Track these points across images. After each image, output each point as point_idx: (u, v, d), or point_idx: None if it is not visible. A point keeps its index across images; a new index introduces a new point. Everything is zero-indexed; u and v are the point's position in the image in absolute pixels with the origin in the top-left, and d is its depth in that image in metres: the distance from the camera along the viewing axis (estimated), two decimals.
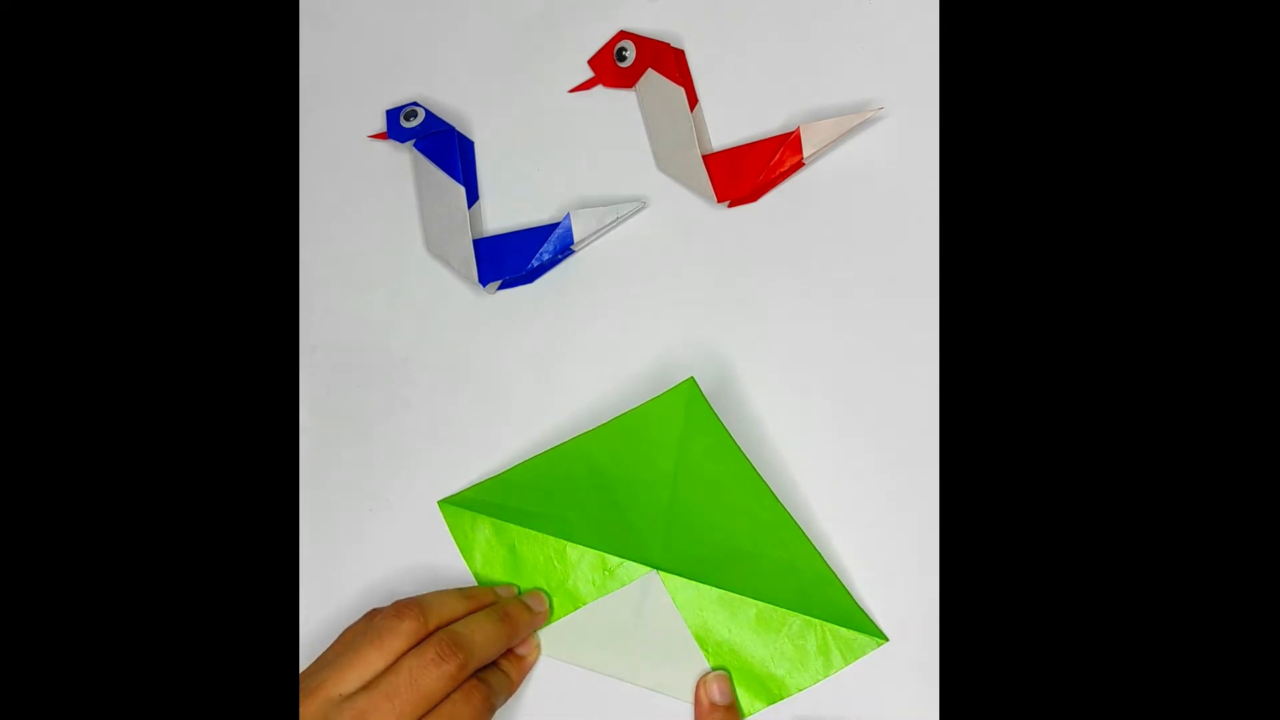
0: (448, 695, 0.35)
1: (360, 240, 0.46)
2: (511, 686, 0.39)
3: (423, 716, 0.34)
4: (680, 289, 0.42)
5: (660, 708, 0.39)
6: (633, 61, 0.43)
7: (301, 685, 0.34)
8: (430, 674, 0.35)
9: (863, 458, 0.39)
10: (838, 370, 0.40)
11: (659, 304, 0.42)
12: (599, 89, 0.44)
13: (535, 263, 0.42)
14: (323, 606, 0.42)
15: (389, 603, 0.37)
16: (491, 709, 0.36)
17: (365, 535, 0.43)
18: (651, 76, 0.43)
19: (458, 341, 0.44)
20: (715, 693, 0.38)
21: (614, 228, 0.43)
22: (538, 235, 0.42)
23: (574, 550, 0.40)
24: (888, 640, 0.37)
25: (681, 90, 0.42)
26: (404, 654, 0.35)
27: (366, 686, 0.34)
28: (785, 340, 0.40)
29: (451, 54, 0.47)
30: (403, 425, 0.43)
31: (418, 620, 0.36)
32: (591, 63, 0.44)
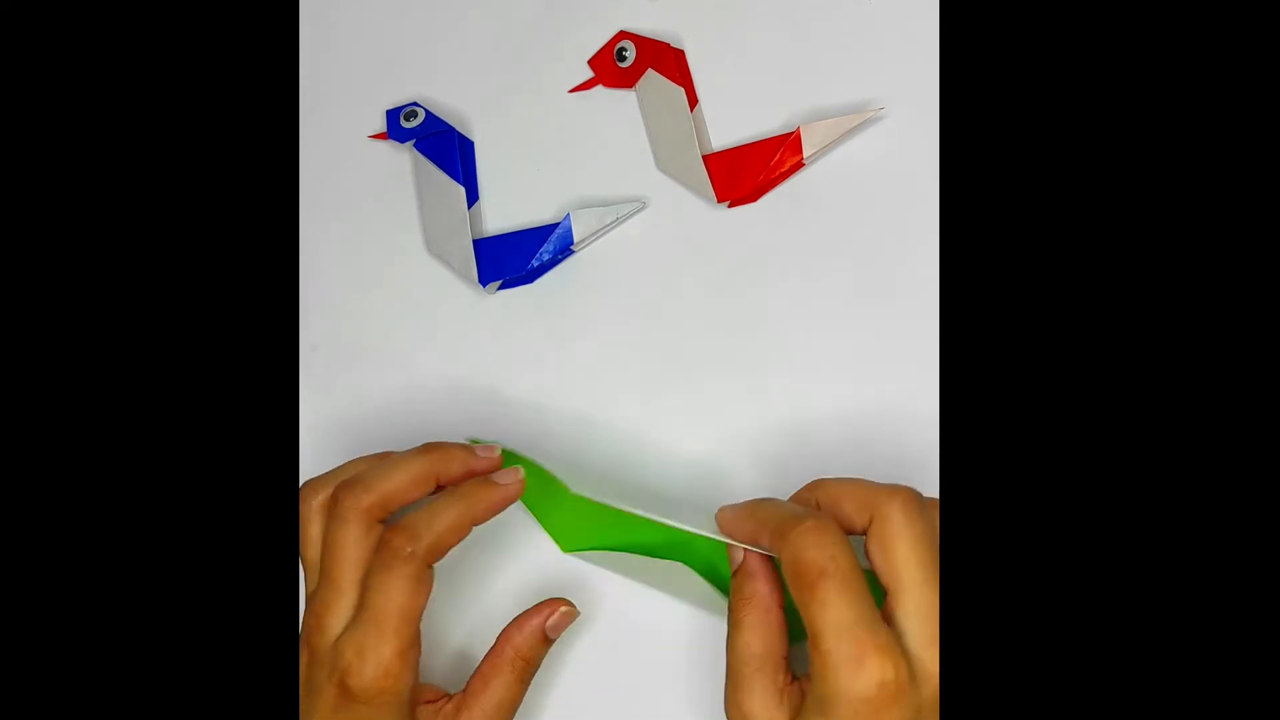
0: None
1: (360, 240, 0.46)
2: (471, 515, 0.34)
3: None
4: (680, 289, 0.42)
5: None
6: (633, 61, 0.43)
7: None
8: (336, 531, 0.33)
9: (862, 458, 0.39)
10: (838, 370, 0.40)
11: (659, 304, 0.42)
12: (599, 89, 0.44)
13: (535, 263, 0.42)
14: None
15: None
16: (426, 560, 0.33)
17: None
18: (651, 76, 0.43)
19: (458, 341, 0.44)
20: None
21: (614, 228, 0.43)
22: (538, 235, 0.42)
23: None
24: None
25: (681, 90, 0.42)
26: (369, 571, 0.33)
27: (351, 622, 0.33)
28: (785, 340, 0.40)
29: (451, 54, 0.47)
30: (403, 425, 0.43)
31: (320, 490, 0.35)
32: (591, 63, 0.44)
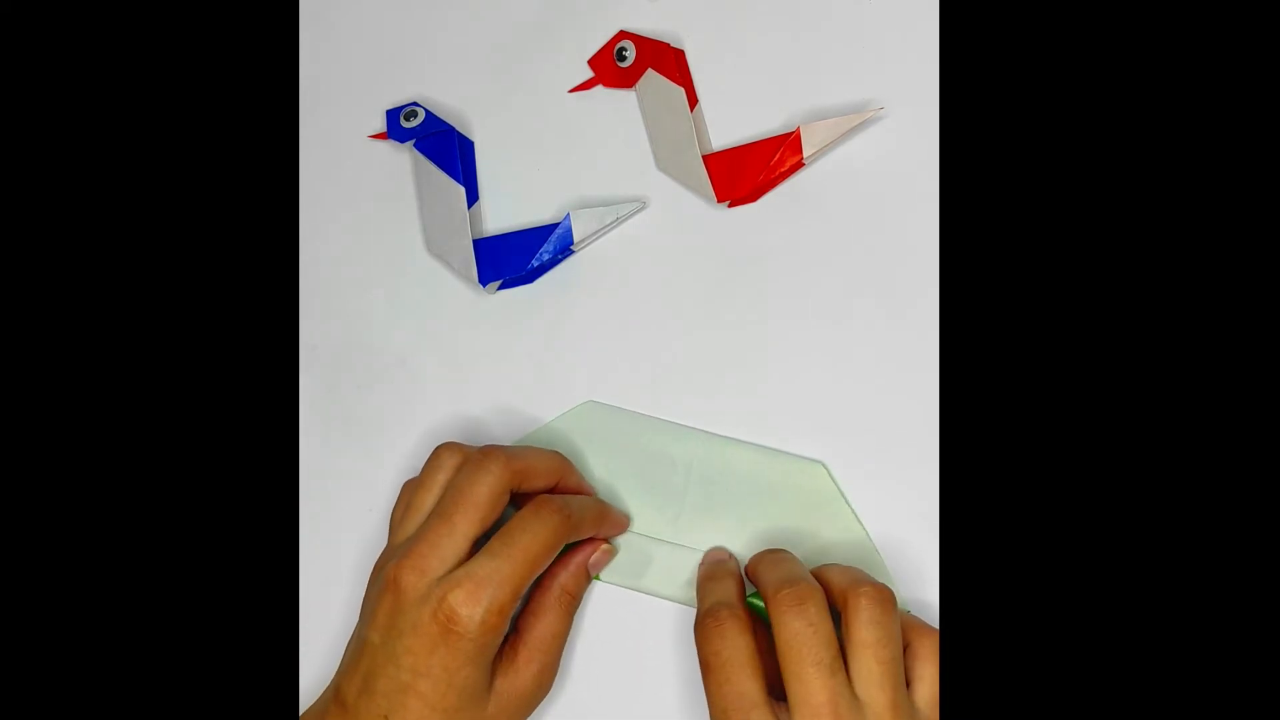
0: (516, 512, 0.35)
1: (360, 240, 0.46)
2: (603, 521, 0.38)
3: (486, 533, 0.34)
4: (680, 289, 0.42)
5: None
6: (633, 61, 0.43)
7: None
8: (473, 479, 0.34)
9: (862, 457, 0.39)
10: (838, 370, 0.40)
11: (659, 304, 0.42)
12: (599, 89, 0.44)
13: (535, 263, 0.42)
14: (323, 606, 0.42)
15: None
16: (568, 526, 0.35)
17: (365, 535, 0.43)
18: (651, 76, 0.43)
19: (458, 341, 0.44)
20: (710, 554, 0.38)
21: (614, 228, 0.43)
22: (538, 235, 0.42)
23: None
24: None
25: (681, 90, 0.42)
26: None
27: (471, 563, 0.33)
28: (785, 340, 0.41)
29: (451, 54, 0.47)
30: (403, 425, 0.43)
31: (458, 451, 0.36)
32: (591, 63, 0.44)
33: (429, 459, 0.37)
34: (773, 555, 0.36)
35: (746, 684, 0.31)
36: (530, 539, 0.34)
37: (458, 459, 0.36)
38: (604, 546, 0.39)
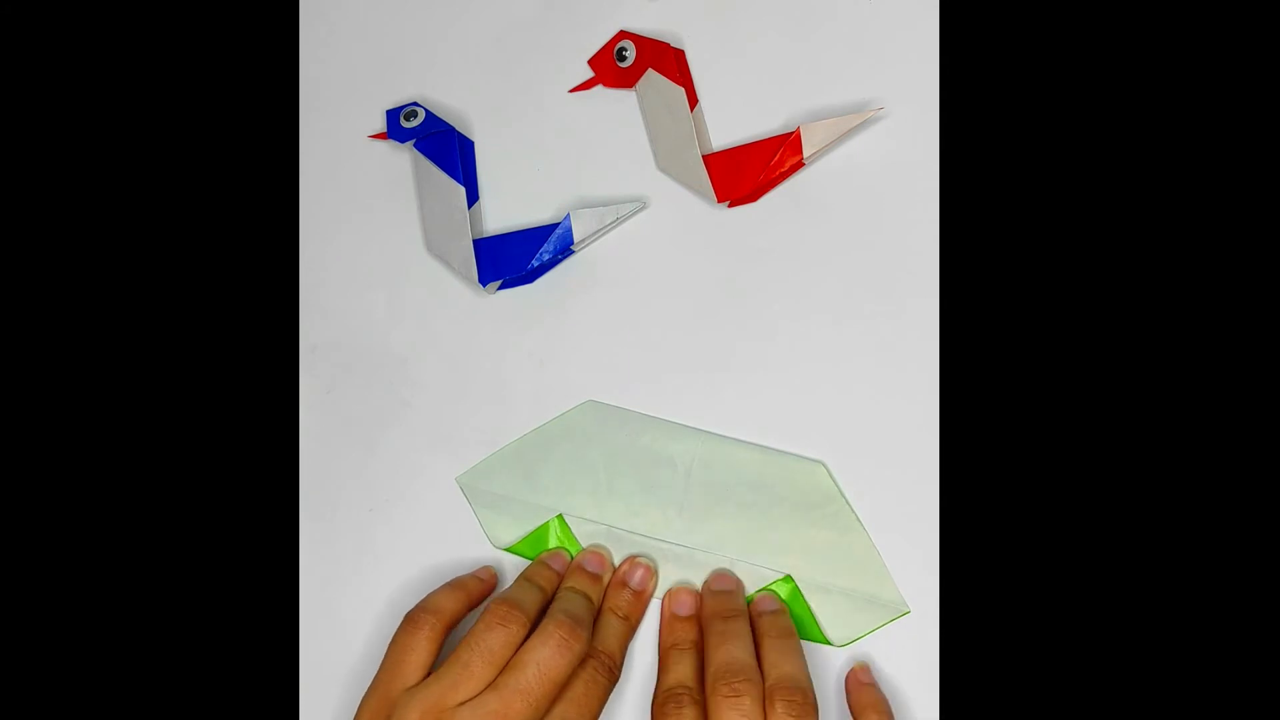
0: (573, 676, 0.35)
1: (360, 240, 0.46)
2: (631, 626, 0.39)
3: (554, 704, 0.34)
4: (680, 289, 0.42)
5: None
6: (633, 61, 0.43)
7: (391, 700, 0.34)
8: (559, 661, 0.34)
9: (862, 457, 0.39)
10: (837, 370, 0.40)
11: (659, 304, 0.42)
12: (599, 89, 0.44)
13: (535, 263, 0.42)
14: (323, 607, 0.42)
15: (392, 600, 0.37)
16: (615, 674, 0.36)
17: (365, 535, 0.43)
18: (651, 76, 0.43)
19: (458, 341, 0.44)
20: (675, 602, 0.39)
21: (614, 228, 0.43)
22: (538, 235, 0.42)
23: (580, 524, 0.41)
24: (909, 611, 0.37)
25: (681, 90, 0.42)
26: (524, 644, 0.35)
27: (492, 686, 0.34)
28: (785, 340, 0.41)
29: (451, 54, 0.47)
30: (403, 425, 0.43)
31: (519, 624, 0.36)
32: (591, 63, 0.44)
33: (488, 619, 0.36)
34: (721, 627, 0.36)
35: None
36: (578, 710, 0.35)
37: (522, 628, 0.36)
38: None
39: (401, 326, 0.45)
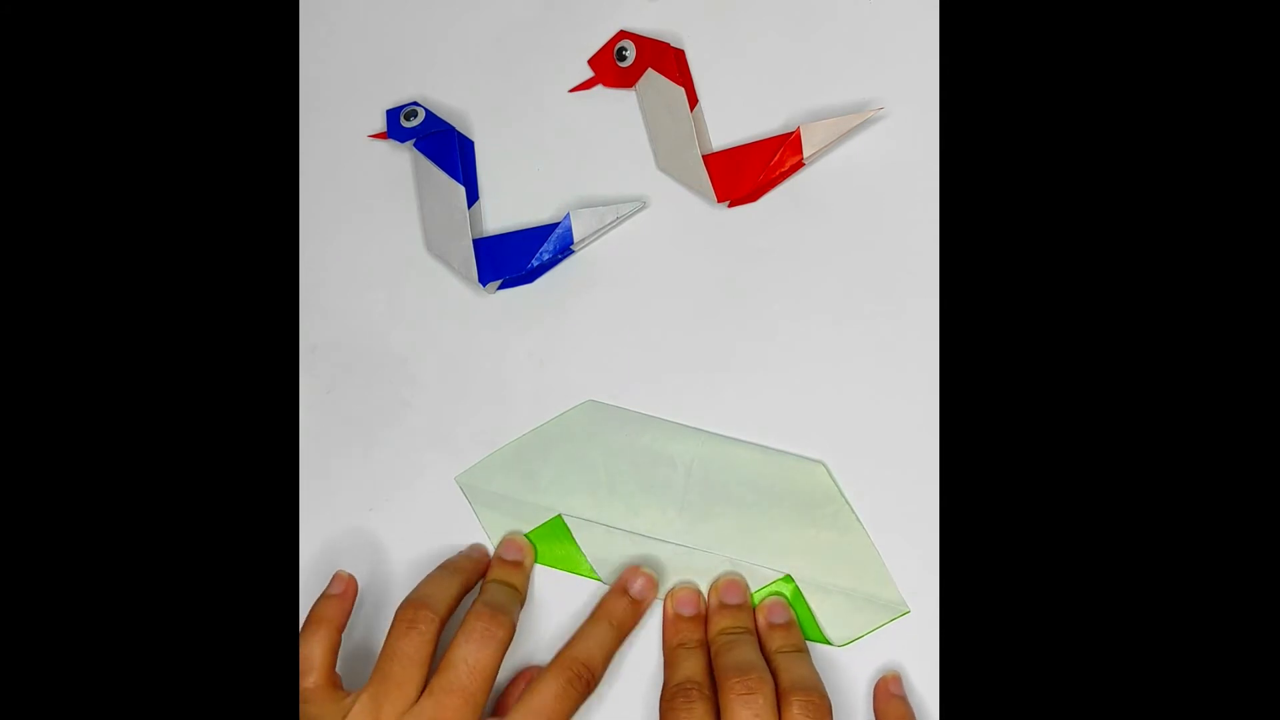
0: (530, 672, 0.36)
1: (360, 240, 0.46)
2: (621, 634, 0.38)
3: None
4: (680, 289, 0.42)
5: None
6: (633, 61, 0.43)
7: None
8: (484, 653, 0.35)
9: (862, 457, 0.39)
10: (837, 370, 0.40)
11: (659, 304, 0.42)
12: (599, 89, 0.44)
13: (535, 263, 0.42)
14: None
15: (391, 600, 0.37)
16: (592, 685, 0.36)
17: (365, 535, 0.43)
18: (651, 76, 0.43)
19: (458, 341, 0.44)
20: (679, 601, 0.38)
21: (614, 228, 0.43)
22: (538, 235, 0.42)
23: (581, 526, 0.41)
24: (909, 611, 0.37)
25: (681, 90, 0.42)
26: (451, 643, 0.35)
27: (426, 691, 0.34)
28: (785, 340, 0.41)
29: (451, 54, 0.47)
30: (403, 425, 0.43)
31: (431, 623, 0.36)
32: (591, 63, 0.44)
33: (400, 634, 0.36)
34: (730, 638, 0.36)
35: None
36: (556, 703, 0.34)
37: (436, 632, 0.36)
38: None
39: (401, 326, 0.45)
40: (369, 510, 0.43)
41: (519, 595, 0.38)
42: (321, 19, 0.48)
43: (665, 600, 0.39)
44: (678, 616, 0.38)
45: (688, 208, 0.43)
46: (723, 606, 0.38)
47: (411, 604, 0.36)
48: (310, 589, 0.42)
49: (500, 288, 0.43)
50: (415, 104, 0.45)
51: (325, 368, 0.45)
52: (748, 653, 0.35)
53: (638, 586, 0.39)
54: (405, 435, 0.43)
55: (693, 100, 0.43)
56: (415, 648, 0.35)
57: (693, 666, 0.36)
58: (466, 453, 0.42)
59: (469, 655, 0.34)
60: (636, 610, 0.38)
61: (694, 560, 0.39)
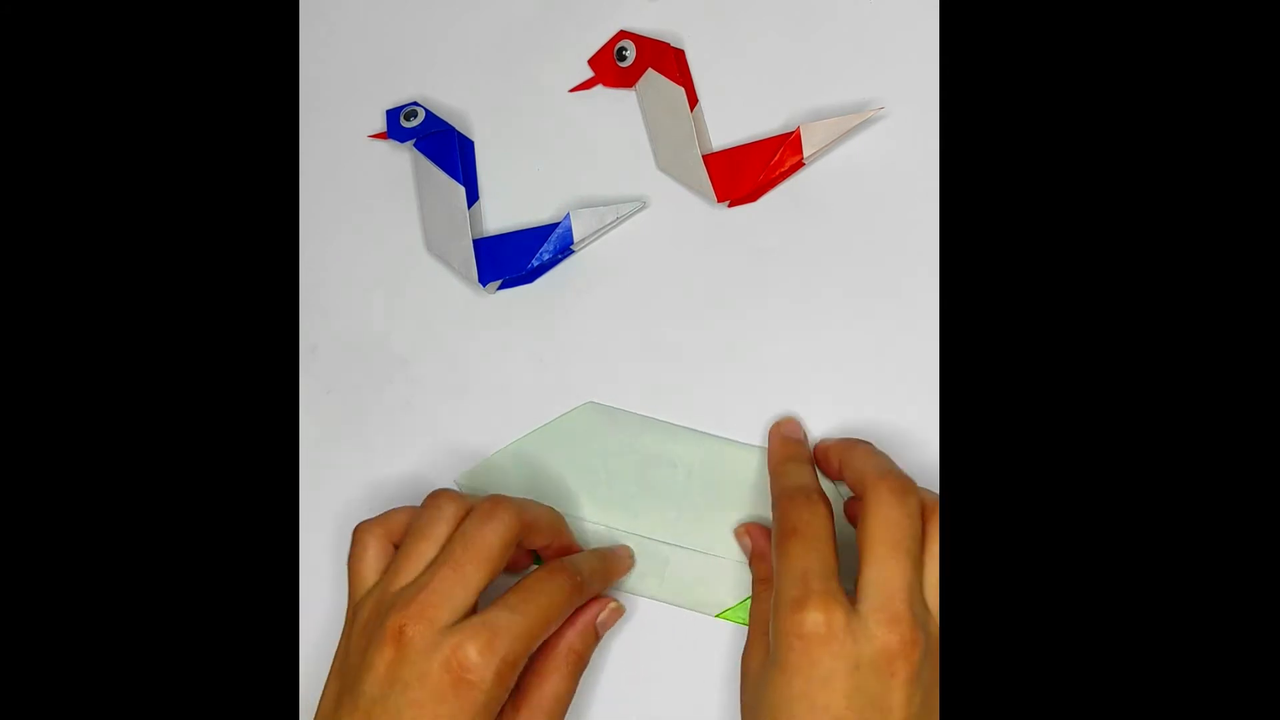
0: (529, 570, 0.35)
1: (360, 240, 0.46)
2: (608, 573, 0.38)
3: (493, 581, 0.33)
4: (680, 289, 0.42)
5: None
6: (633, 61, 0.43)
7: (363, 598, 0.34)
8: (483, 530, 0.33)
9: None
10: (838, 370, 0.40)
11: (659, 304, 0.42)
12: (599, 89, 0.44)
13: (535, 263, 0.42)
14: (323, 607, 0.42)
15: None
16: (579, 591, 0.35)
17: None
18: (651, 76, 0.43)
19: (458, 341, 0.44)
20: (786, 427, 0.39)
21: (614, 228, 0.43)
22: (538, 235, 0.42)
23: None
24: None
25: (681, 90, 0.42)
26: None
27: (427, 567, 0.33)
28: (785, 340, 0.41)
29: (451, 54, 0.47)
30: (403, 425, 0.43)
31: (451, 501, 0.35)
32: (591, 63, 0.44)
33: (425, 507, 0.35)
34: (865, 446, 0.36)
35: (829, 557, 0.32)
36: (547, 599, 0.33)
37: (460, 508, 0.35)
38: (612, 605, 0.38)
39: (401, 326, 0.45)
40: (369, 510, 0.43)
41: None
42: (321, 19, 0.48)
43: (770, 428, 0.39)
44: (785, 438, 0.38)
45: (688, 208, 0.43)
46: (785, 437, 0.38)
47: (438, 493, 0.35)
48: (310, 589, 0.42)
49: (500, 288, 0.43)
50: (415, 104, 0.45)
51: (325, 368, 0.45)
52: (887, 460, 0.35)
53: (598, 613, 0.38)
54: (405, 435, 0.43)
55: (693, 100, 0.43)
56: (429, 521, 0.34)
57: (806, 475, 0.36)
58: (466, 453, 0.42)
59: (468, 530, 0.33)
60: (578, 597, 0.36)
61: (693, 561, 0.39)
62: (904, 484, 0.32)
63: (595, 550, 0.39)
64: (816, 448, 0.38)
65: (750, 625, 0.37)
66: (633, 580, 0.40)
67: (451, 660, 0.31)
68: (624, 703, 0.39)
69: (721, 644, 0.39)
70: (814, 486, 0.35)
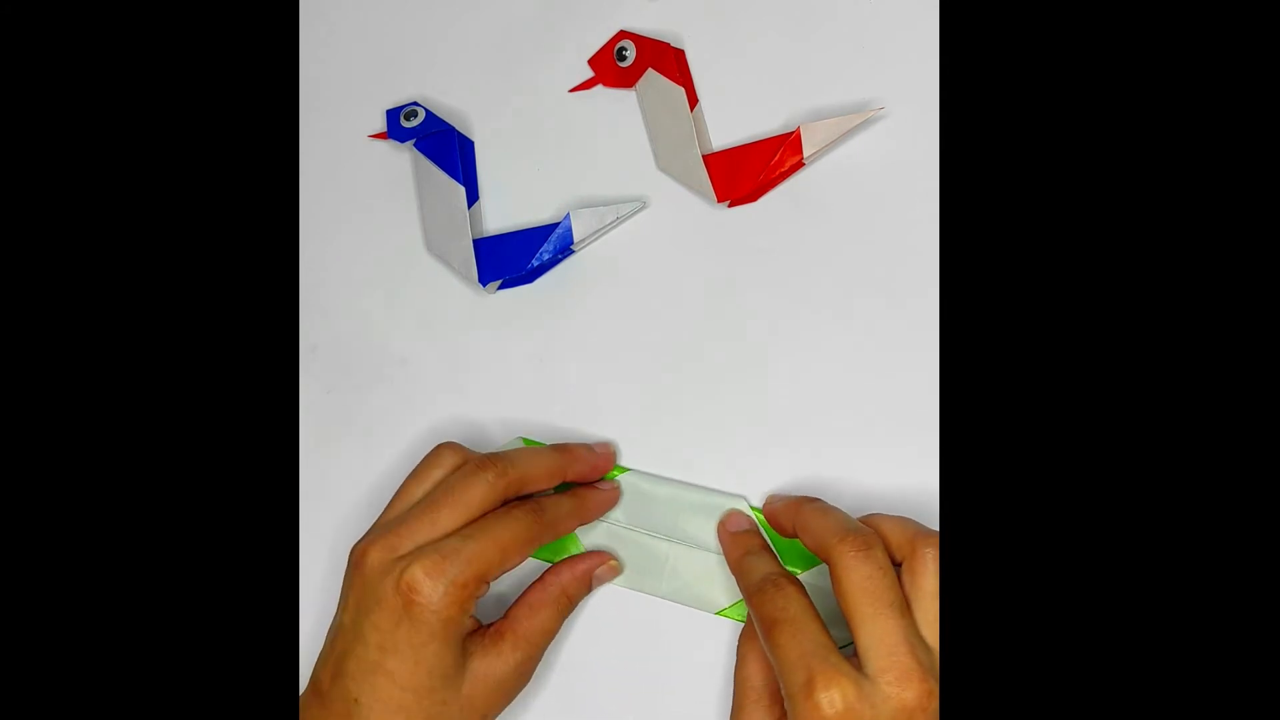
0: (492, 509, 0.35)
1: (360, 240, 0.46)
2: (582, 513, 0.39)
3: (464, 526, 0.34)
4: (680, 289, 0.42)
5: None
6: (633, 61, 0.43)
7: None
8: (468, 481, 0.35)
9: (862, 458, 0.39)
10: (838, 370, 0.40)
11: (659, 304, 0.42)
12: (599, 89, 0.44)
13: (535, 263, 0.42)
14: (322, 607, 0.42)
15: None
16: (545, 527, 0.36)
17: None
18: (651, 76, 0.43)
19: (458, 341, 0.44)
20: (732, 523, 0.39)
21: (614, 228, 0.43)
22: (538, 235, 0.42)
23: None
24: None
25: (681, 90, 0.42)
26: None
27: (437, 542, 0.34)
28: (785, 340, 0.41)
29: (451, 54, 0.47)
30: (403, 425, 0.43)
31: (458, 453, 0.37)
32: (591, 63, 0.44)
33: (429, 454, 0.38)
34: (812, 505, 0.36)
35: (819, 634, 0.32)
36: (504, 530, 0.35)
37: (457, 459, 0.37)
38: (611, 563, 0.39)
39: (401, 326, 0.45)
40: (369, 511, 0.43)
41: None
42: (321, 19, 0.49)
43: (718, 527, 0.39)
44: (734, 534, 0.38)
45: (688, 208, 0.43)
46: (735, 534, 0.38)
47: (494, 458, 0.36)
48: (310, 589, 0.42)
49: (500, 288, 0.43)
50: (415, 104, 0.45)
51: (325, 368, 0.45)
52: (840, 515, 0.35)
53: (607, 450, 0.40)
54: (405, 435, 0.43)
55: (693, 100, 0.43)
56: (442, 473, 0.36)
57: (768, 563, 0.36)
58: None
59: (453, 483, 0.35)
60: (595, 464, 0.40)
61: (694, 558, 0.39)
62: (864, 539, 0.32)
63: (573, 491, 0.39)
64: (765, 509, 0.38)
65: (740, 693, 0.35)
66: (633, 578, 0.40)
67: (401, 582, 0.33)
68: (624, 701, 0.39)
69: (722, 642, 0.39)
70: (779, 572, 0.34)
